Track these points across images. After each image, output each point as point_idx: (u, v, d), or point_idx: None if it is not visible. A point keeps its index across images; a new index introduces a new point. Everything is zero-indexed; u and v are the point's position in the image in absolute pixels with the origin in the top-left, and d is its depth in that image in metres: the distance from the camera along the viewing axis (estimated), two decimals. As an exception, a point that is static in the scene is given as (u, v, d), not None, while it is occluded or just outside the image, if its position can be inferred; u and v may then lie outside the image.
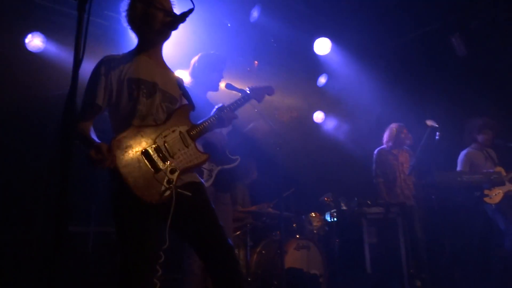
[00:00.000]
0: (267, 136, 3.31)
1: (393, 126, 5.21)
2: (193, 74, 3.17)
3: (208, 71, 3.13)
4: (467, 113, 5.23)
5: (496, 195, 4.47)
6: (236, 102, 2.41)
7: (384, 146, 5.24)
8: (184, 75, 3.22)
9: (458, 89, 5.76)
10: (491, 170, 4.56)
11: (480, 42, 5.34)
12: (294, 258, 4.26)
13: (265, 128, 3.19)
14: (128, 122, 1.96)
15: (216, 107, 2.29)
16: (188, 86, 3.01)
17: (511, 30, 5.02)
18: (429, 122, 4.53)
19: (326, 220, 4.95)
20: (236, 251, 4.04)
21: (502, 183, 4.47)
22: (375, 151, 5.24)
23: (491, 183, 4.38)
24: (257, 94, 2.65)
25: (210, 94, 3.21)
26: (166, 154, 1.93)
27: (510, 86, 5.34)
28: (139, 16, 2.07)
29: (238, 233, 4.29)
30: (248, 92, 2.59)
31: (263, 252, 4.28)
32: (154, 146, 1.91)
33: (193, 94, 2.29)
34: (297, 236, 4.50)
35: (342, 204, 5.15)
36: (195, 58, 3.22)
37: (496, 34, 5.17)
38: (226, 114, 2.26)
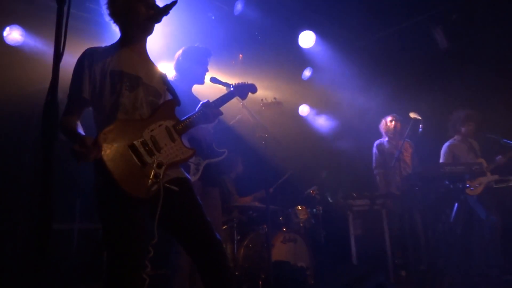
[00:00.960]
0: (252, 129, 3.31)
1: (388, 118, 5.20)
2: (177, 68, 3.14)
3: (193, 65, 3.10)
4: (450, 105, 5.31)
5: (478, 186, 4.57)
6: (220, 99, 2.41)
7: (382, 138, 5.23)
8: (168, 68, 3.18)
9: (441, 81, 5.83)
10: (472, 161, 4.65)
11: (461, 35, 5.42)
12: (281, 251, 4.29)
13: (250, 121, 3.19)
14: (111, 115, 1.93)
15: (201, 103, 2.28)
16: (173, 80, 3.00)
17: (491, 22, 5.10)
18: (412, 114, 4.59)
19: (312, 212, 4.98)
20: (224, 246, 4.04)
21: (483, 174, 4.57)
22: (375, 143, 5.22)
23: (473, 174, 4.47)
24: (241, 91, 2.66)
25: (196, 88, 3.18)
26: (153, 148, 1.91)
27: (491, 78, 5.43)
28: (121, 10, 2.04)
29: (224, 227, 4.29)
30: (232, 89, 2.61)
31: (250, 245, 4.29)
32: (141, 140, 1.89)
33: (178, 88, 2.27)
34: (284, 229, 4.52)
35: (328, 197, 5.19)
36: (179, 52, 3.18)
37: (476, 26, 5.25)
38: (211, 110, 2.26)
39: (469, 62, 5.54)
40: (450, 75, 5.77)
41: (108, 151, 1.78)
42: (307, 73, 6.29)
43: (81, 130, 1.90)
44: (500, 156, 4.65)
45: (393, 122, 5.13)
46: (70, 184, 4.04)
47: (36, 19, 4.23)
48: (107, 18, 2.09)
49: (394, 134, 5.11)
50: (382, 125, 5.26)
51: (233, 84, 2.68)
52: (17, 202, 4.06)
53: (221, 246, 2.05)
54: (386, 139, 5.18)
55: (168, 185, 1.90)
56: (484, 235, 4.55)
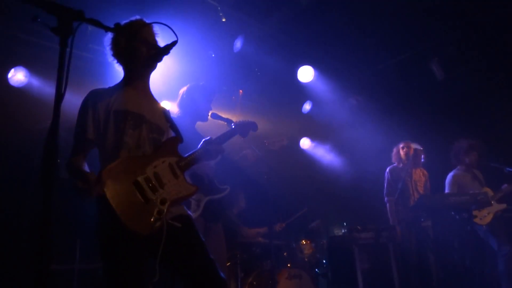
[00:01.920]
0: (256, 165, 3.31)
1: (400, 145, 5.04)
2: (181, 105, 3.17)
3: (197, 102, 3.12)
4: (450, 135, 5.32)
5: (486, 216, 4.49)
6: (222, 136, 2.44)
7: (395, 164, 5.06)
8: (170, 106, 3.21)
9: (441, 111, 5.88)
10: (477, 191, 4.60)
11: (458, 65, 5.51)
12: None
13: (254, 157, 3.19)
14: (115, 154, 1.95)
15: (203, 140, 2.30)
16: (176, 116, 3.03)
17: (487, 51, 5.19)
18: (414, 145, 4.59)
19: (317, 247, 4.88)
20: (228, 284, 3.94)
21: (488, 204, 4.50)
22: (387, 169, 5.04)
23: (478, 204, 4.41)
24: (242, 129, 2.69)
25: (199, 124, 3.20)
26: (156, 185, 1.91)
27: (488, 108, 5.48)
28: (123, 51, 2.11)
29: (228, 264, 4.20)
30: (234, 127, 2.64)
31: (255, 283, 4.18)
32: (144, 176, 1.89)
33: (181, 124, 2.29)
34: (288, 265, 4.42)
35: (332, 231, 5.10)
36: (184, 89, 3.21)
37: (473, 56, 5.35)
38: (213, 147, 2.27)
39: (468, 92, 5.61)
40: (450, 105, 5.82)
41: (111, 188, 1.78)
42: (307, 106, 6.36)
43: (86, 169, 1.92)
44: (506, 185, 4.61)
45: (405, 149, 4.94)
46: (71, 224, 4.00)
47: (40, 61, 4.34)
48: (110, 58, 2.16)
49: (407, 161, 4.90)
50: (394, 153, 5.08)
51: (234, 122, 2.70)
52: (16, 242, 4.00)
53: (225, 285, 2.00)
54: (401, 165, 5.00)
55: (171, 222, 1.88)
56: (497, 265, 4.43)
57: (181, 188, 2.00)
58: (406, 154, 4.92)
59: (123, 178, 1.83)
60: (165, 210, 1.86)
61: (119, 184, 1.81)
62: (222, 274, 2.01)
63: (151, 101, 2.20)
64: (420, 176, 4.92)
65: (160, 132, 2.13)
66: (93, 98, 2.03)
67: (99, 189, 1.73)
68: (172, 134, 2.23)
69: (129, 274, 1.80)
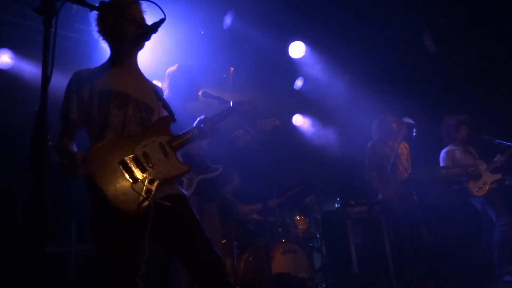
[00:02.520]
0: (249, 143, 3.29)
1: (390, 118, 4.89)
2: (171, 86, 3.12)
3: (187, 82, 3.08)
4: (441, 109, 5.34)
5: (481, 187, 4.55)
6: (219, 115, 2.38)
7: (377, 138, 4.92)
8: (160, 86, 3.15)
9: (432, 85, 5.88)
10: (468, 163, 4.65)
11: (449, 39, 5.48)
12: (281, 262, 4.25)
13: (246, 137, 3.17)
14: (100, 135, 1.94)
15: (198, 118, 2.27)
16: (166, 97, 2.98)
17: (479, 25, 5.16)
18: (406, 119, 4.59)
19: (311, 222, 4.96)
20: (223, 260, 4.01)
21: (479, 176, 4.56)
22: (369, 144, 4.88)
23: (469, 176, 4.47)
24: (241, 108, 2.59)
25: (189, 104, 3.17)
26: (145, 165, 1.90)
27: (481, 80, 5.49)
28: (110, 29, 2.06)
29: (223, 241, 4.25)
30: (232, 105, 2.55)
31: (250, 259, 4.25)
32: (132, 156, 1.88)
33: (172, 106, 2.26)
34: (283, 240, 4.49)
35: (326, 205, 5.17)
36: (172, 69, 3.16)
37: (465, 29, 5.31)
38: (208, 126, 2.24)
39: (459, 66, 5.59)
40: (441, 79, 5.82)
41: (99, 168, 1.77)
42: (299, 83, 6.33)
43: (74, 149, 1.91)
44: (499, 156, 4.66)
45: (395, 124, 4.79)
46: (66, 206, 3.99)
47: (25, 42, 4.24)
48: (96, 35, 2.10)
49: (390, 135, 4.81)
50: (381, 125, 4.89)
51: (233, 101, 2.59)
52: (9, 227, 4.00)
53: (220, 262, 2.03)
54: (381, 138, 4.87)
55: (160, 201, 1.88)
56: (488, 237, 4.52)
57: (172, 168, 1.99)
58: (397, 128, 4.79)
59: (110, 158, 1.82)
60: (154, 190, 1.86)
61: (106, 164, 1.80)
62: (217, 251, 2.03)
63: (140, 79, 2.16)
64: (402, 149, 4.83)
65: (149, 110, 2.09)
66: (78, 80, 1.99)
67: (85, 169, 1.73)
68: (164, 113, 2.20)
69: (120, 254, 1.82)
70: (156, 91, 2.20)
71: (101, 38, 2.10)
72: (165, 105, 2.20)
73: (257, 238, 4.50)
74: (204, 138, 2.28)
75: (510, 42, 5.07)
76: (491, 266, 4.43)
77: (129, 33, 2.02)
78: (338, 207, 5.44)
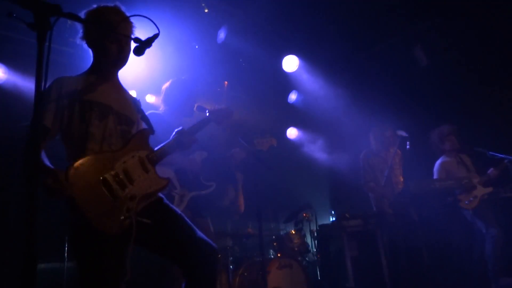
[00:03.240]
0: (244, 162, 3.29)
1: (376, 128, 4.88)
2: (165, 101, 3.13)
3: (180, 97, 3.09)
4: (434, 121, 5.37)
5: (472, 200, 4.56)
6: (195, 126, 2.40)
7: (370, 150, 4.88)
8: (155, 101, 3.16)
9: (424, 97, 5.93)
10: (462, 176, 4.66)
11: (440, 52, 5.56)
12: (277, 277, 4.20)
13: (242, 155, 3.17)
14: (81, 145, 1.90)
15: (176, 130, 2.26)
16: (161, 113, 2.99)
17: (469, 37, 5.24)
18: (399, 132, 4.61)
19: (306, 235, 4.92)
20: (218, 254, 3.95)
21: (473, 188, 4.57)
22: (361, 154, 4.83)
23: (463, 188, 4.48)
24: (217, 116, 2.61)
25: (185, 119, 3.17)
26: (125, 181, 1.88)
27: (471, 93, 5.55)
28: (94, 44, 2.06)
29: (218, 256, 4.20)
30: (208, 114, 2.57)
31: (245, 274, 4.20)
32: (112, 172, 1.85)
33: (167, 121, 2.26)
34: (279, 255, 4.45)
35: (321, 219, 5.13)
36: (166, 85, 3.18)
37: (455, 43, 5.39)
38: (185, 137, 2.23)
39: (450, 78, 5.66)
40: (432, 91, 5.87)
41: (78, 187, 1.73)
42: (293, 96, 6.36)
43: (48, 162, 1.83)
44: (492, 169, 4.67)
45: (390, 135, 4.74)
46: (58, 222, 3.93)
47: (19, 56, 4.24)
48: (79, 40, 2.08)
49: (382, 144, 4.77)
50: (377, 135, 4.82)
51: (209, 110, 2.63)
52: (3, 242, 3.93)
53: (214, 251, 2.04)
54: (374, 149, 4.82)
55: (140, 219, 1.86)
56: (483, 249, 4.50)
57: (152, 183, 1.98)
58: (382, 136, 4.76)
59: (90, 176, 1.79)
60: (135, 207, 1.84)
61: (86, 183, 1.76)
62: (210, 241, 2.03)
63: (120, 91, 2.15)
64: (396, 160, 4.74)
65: (129, 123, 2.08)
66: (58, 87, 1.94)
67: (68, 191, 1.69)
68: (143, 125, 2.19)
69: (102, 273, 1.78)
70: (135, 103, 2.18)
71: (84, 43, 2.09)
72: (144, 117, 2.18)
73: (252, 252, 4.45)
74: (183, 149, 2.25)
75: (500, 54, 5.15)
76: (486, 279, 4.41)
77: (111, 54, 2.02)
78: (333, 220, 5.42)
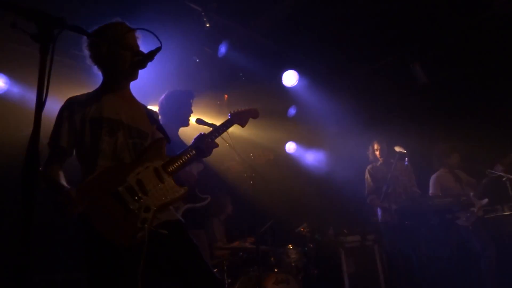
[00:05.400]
0: (241, 174, 3.29)
1: (375, 145, 5.07)
2: (162, 112, 3.17)
3: (177, 108, 3.14)
4: (433, 138, 5.40)
5: (469, 215, 4.55)
6: (218, 130, 2.34)
7: (375, 163, 5.04)
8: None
9: (423, 114, 5.97)
10: (460, 193, 4.66)
11: (439, 70, 5.61)
12: (273, 293, 4.15)
13: (238, 168, 3.17)
14: (93, 162, 1.91)
15: (195, 137, 2.22)
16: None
17: (467, 57, 5.30)
18: (398, 148, 4.63)
19: (304, 251, 4.88)
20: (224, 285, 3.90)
21: (471, 205, 4.57)
22: (367, 168, 5.01)
23: (461, 206, 4.48)
24: (240, 118, 2.57)
25: (182, 130, 3.20)
26: (140, 193, 1.86)
27: (470, 111, 5.59)
28: (105, 56, 2.05)
29: (215, 270, 4.16)
30: (230, 116, 2.51)
31: (242, 289, 4.15)
32: (125, 185, 1.85)
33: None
34: (276, 270, 4.41)
35: (319, 235, 5.10)
36: (162, 96, 3.23)
37: (454, 61, 5.45)
38: (207, 143, 2.19)
39: (449, 96, 5.70)
40: (432, 108, 5.91)
41: (91, 203, 1.74)
42: (292, 111, 6.39)
43: (64, 181, 1.86)
44: (484, 180, 4.68)
45: (379, 149, 5.01)
46: (53, 234, 3.92)
47: (20, 66, 4.26)
48: (89, 61, 2.09)
49: (383, 157, 4.96)
50: (370, 152, 5.14)
51: (231, 112, 2.57)
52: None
53: (223, 286, 2.01)
54: (379, 162, 5.03)
55: (155, 229, 1.84)
56: (481, 267, 4.48)
57: (168, 192, 1.96)
58: (381, 151, 4.97)
59: (103, 191, 1.79)
60: (150, 218, 1.82)
61: (98, 198, 1.77)
62: (217, 275, 2.01)
63: (132, 105, 2.15)
64: (403, 170, 4.83)
65: (142, 136, 2.07)
66: (70, 106, 1.98)
67: (79, 208, 1.69)
68: (159, 135, 2.18)
69: (114, 286, 1.77)
70: (150, 115, 2.18)
71: (93, 64, 2.09)
72: (159, 127, 2.18)
73: (249, 267, 4.41)
74: (203, 156, 2.21)
75: (499, 72, 5.20)
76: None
77: (125, 60, 2.03)
78: (331, 236, 5.38)
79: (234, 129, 2.68)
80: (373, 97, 6.26)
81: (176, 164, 2.06)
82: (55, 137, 1.94)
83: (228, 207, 5.11)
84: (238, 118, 2.55)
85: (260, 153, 3.28)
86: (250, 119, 2.67)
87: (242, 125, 2.59)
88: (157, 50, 1.98)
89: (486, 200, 4.63)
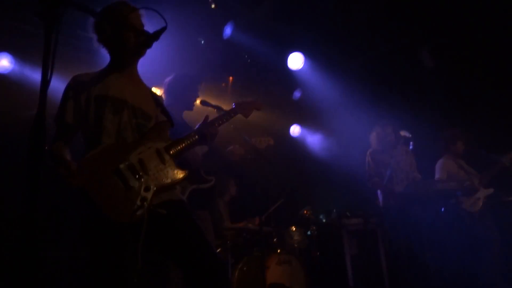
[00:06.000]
0: (245, 156, 3.29)
1: (387, 127, 4.82)
2: (167, 93, 3.16)
3: (183, 92, 3.12)
4: (439, 123, 5.37)
5: (474, 203, 4.54)
6: (221, 118, 2.35)
7: (375, 147, 4.86)
8: (159, 94, 3.17)
9: (429, 99, 5.92)
10: (463, 178, 4.65)
11: (447, 55, 5.54)
12: (276, 273, 4.22)
13: (240, 152, 3.17)
14: (96, 139, 1.93)
15: (200, 124, 2.23)
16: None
17: (476, 43, 5.22)
18: (403, 133, 4.60)
19: (306, 233, 4.93)
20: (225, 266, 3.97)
21: (475, 190, 4.56)
22: (368, 153, 4.82)
23: (465, 190, 4.47)
24: (244, 109, 2.58)
25: (186, 113, 3.20)
26: (141, 172, 1.87)
27: (477, 96, 5.53)
28: (110, 38, 2.05)
29: (218, 250, 4.23)
30: (234, 106, 2.53)
31: (245, 269, 4.22)
32: (126, 163, 1.86)
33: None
34: (278, 251, 4.47)
35: (322, 217, 5.14)
36: (169, 78, 3.20)
37: (461, 46, 5.37)
38: (210, 130, 2.20)
39: (456, 80, 5.64)
40: (438, 93, 5.86)
41: (92, 178, 1.76)
42: (297, 93, 6.36)
43: (67, 155, 1.89)
44: (490, 168, 4.65)
45: (382, 133, 4.76)
46: (59, 211, 3.97)
47: (25, 46, 4.25)
48: (96, 44, 2.10)
49: (386, 143, 4.74)
50: (379, 135, 4.82)
51: (235, 102, 2.58)
52: (2, 230, 3.97)
53: (221, 267, 2.02)
54: (381, 146, 4.79)
55: (154, 208, 1.85)
56: (486, 253, 4.49)
57: (169, 174, 1.97)
58: (384, 135, 4.76)
59: (104, 167, 1.81)
60: (150, 198, 1.83)
61: (99, 174, 1.78)
62: (218, 256, 2.04)
63: (138, 86, 2.16)
64: (402, 155, 4.71)
65: (146, 117, 2.08)
66: (75, 84, 1.99)
67: (79, 180, 1.72)
68: (162, 119, 2.19)
69: (114, 263, 1.80)
70: (155, 98, 2.19)
71: (101, 46, 2.10)
72: (164, 111, 2.19)
73: (252, 248, 4.48)
74: (205, 143, 2.22)
75: (507, 56, 5.12)
76: (486, 283, 4.41)
77: (129, 41, 2.02)
78: (334, 218, 5.43)
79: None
80: (379, 81, 6.21)
81: (179, 147, 2.07)
82: (61, 114, 1.96)
83: (232, 188, 5.16)
84: (242, 109, 2.56)
85: (260, 138, 3.28)
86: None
87: (246, 116, 2.61)
88: (163, 29, 1.97)
89: (492, 190, 4.61)
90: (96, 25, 2.05)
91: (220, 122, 2.34)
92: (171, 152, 2.03)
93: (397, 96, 6.15)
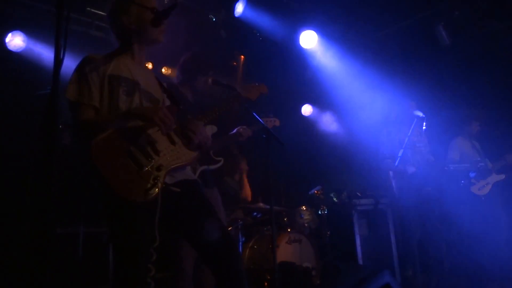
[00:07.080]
0: (251, 141, 3.30)
1: (412, 102, 4.66)
2: (181, 74, 3.17)
3: (196, 72, 3.13)
4: (453, 102, 5.28)
5: (484, 186, 4.51)
6: (225, 104, 2.40)
7: (390, 126, 4.72)
8: (170, 72, 3.17)
9: (444, 78, 5.80)
10: (477, 159, 4.60)
11: (463, 32, 5.39)
12: (286, 252, 4.27)
13: (248, 133, 3.19)
14: None
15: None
16: (176, 83, 3.02)
17: (493, 17, 5.07)
18: (416, 112, 4.53)
19: (317, 213, 4.95)
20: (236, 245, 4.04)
21: (489, 173, 4.51)
22: (383, 132, 4.68)
23: (478, 172, 4.43)
24: (250, 92, 2.60)
25: (198, 92, 3.21)
26: (151, 152, 1.90)
27: (495, 74, 5.40)
28: (134, 20, 2.04)
29: (229, 229, 4.28)
30: (238, 90, 2.56)
31: (255, 247, 4.28)
32: (137, 144, 1.89)
33: (181, 92, 2.26)
34: (289, 230, 4.51)
35: (333, 197, 5.14)
36: (186, 57, 3.21)
37: (478, 22, 5.22)
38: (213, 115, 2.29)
39: (472, 59, 5.51)
40: (453, 72, 5.74)
41: (105, 159, 1.79)
42: (309, 72, 6.25)
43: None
44: (507, 154, 4.58)
45: (398, 113, 4.64)
46: (75, 188, 4.04)
47: (38, 24, 4.25)
48: (113, 35, 2.12)
49: (401, 119, 4.61)
50: (395, 112, 4.69)
51: (239, 86, 2.62)
52: (20, 207, 4.06)
53: (232, 246, 2.07)
54: (397, 126, 4.63)
55: (167, 187, 1.89)
56: (495, 234, 4.48)
57: (180, 154, 2.01)
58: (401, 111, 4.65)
59: (116, 148, 1.84)
60: (162, 177, 1.87)
61: (112, 155, 1.82)
62: (230, 235, 2.09)
63: (147, 71, 2.21)
64: (417, 134, 4.54)
65: (154, 102, 2.11)
66: (89, 64, 1.98)
67: (92, 161, 1.76)
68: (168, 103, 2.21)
69: (130, 241, 1.85)
70: (161, 83, 2.23)
71: (115, 29, 2.10)
72: (169, 96, 2.21)
73: (263, 226, 4.52)
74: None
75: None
76: (494, 266, 4.39)
77: (147, 21, 2.03)
78: (344, 198, 5.42)
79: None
80: (394, 58, 6.09)
81: (188, 127, 2.11)
82: (88, 98, 1.92)
83: (243, 166, 5.17)
84: (249, 92, 2.60)
85: (267, 119, 3.28)
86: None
87: (252, 99, 2.64)
88: (172, 7, 1.95)
89: (503, 176, 4.56)
90: (121, 7, 2.04)
91: (225, 108, 2.41)
92: (181, 133, 2.07)
93: (412, 73, 6.03)
